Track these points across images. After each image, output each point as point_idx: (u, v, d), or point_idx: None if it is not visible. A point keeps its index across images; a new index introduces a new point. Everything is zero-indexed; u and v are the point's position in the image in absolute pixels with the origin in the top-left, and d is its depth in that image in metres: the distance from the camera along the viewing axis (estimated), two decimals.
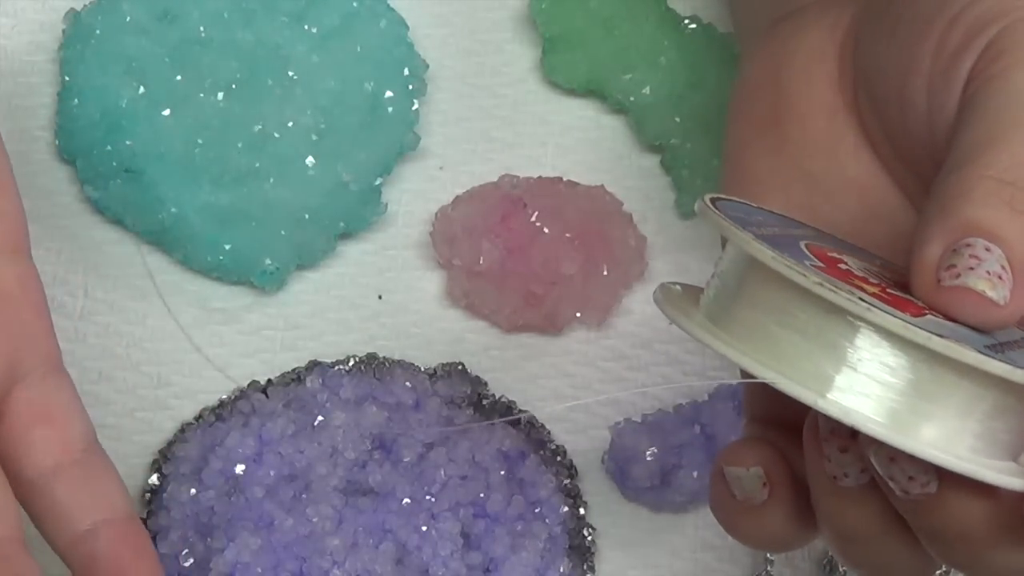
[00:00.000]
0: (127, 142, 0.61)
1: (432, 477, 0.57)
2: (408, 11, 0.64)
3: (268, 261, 0.60)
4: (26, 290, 0.51)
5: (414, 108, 0.63)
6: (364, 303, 0.61)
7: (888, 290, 0.42)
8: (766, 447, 0.46)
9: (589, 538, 0.58)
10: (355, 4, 0.63)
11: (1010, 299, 0.41)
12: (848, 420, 0.40)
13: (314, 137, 0.61)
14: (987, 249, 0.41)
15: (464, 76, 0.65)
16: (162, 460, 0.58)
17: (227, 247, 0.60)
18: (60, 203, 0.62)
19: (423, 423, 0.58)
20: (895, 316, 0.39)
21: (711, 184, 0.62)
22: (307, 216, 0.61)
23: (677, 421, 0.59)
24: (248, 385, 0.59)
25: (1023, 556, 0.42)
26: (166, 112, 0.61)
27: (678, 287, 0.46)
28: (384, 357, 0.60)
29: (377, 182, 0.62)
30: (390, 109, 0.62)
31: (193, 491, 0.57)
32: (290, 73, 0.62)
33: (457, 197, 0.62)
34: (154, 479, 0.58)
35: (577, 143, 0.64)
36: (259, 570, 0.55)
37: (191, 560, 0.56)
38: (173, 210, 0.60)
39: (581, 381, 0.60)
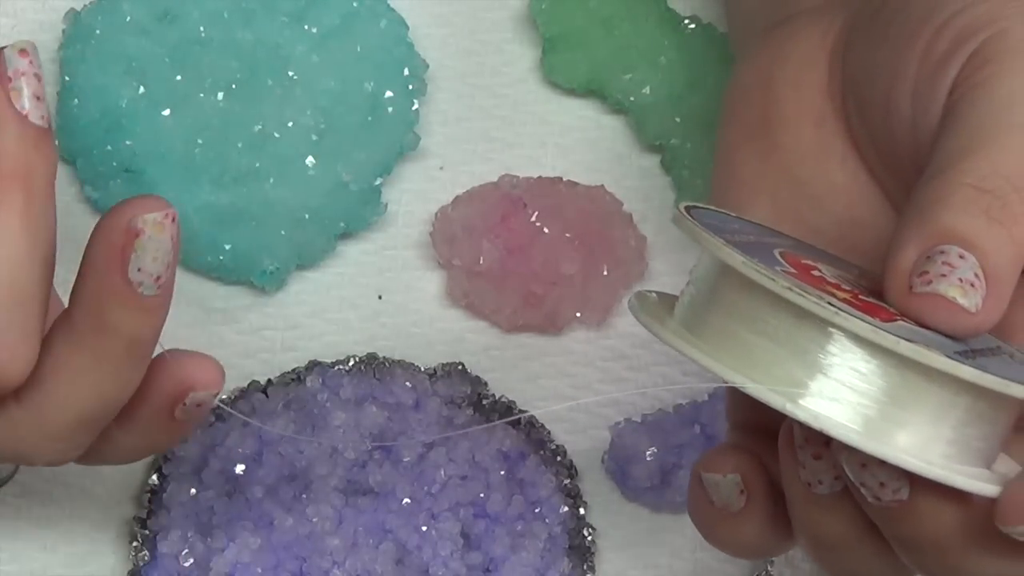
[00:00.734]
0: (127, 142, 0.61)
1: (432, 477, 0.57)
2: (408, 11, 0.64)
3: (268, 261, 0.60)
4: None
5: (414, 108, 0.63)
6: (364, 303, 0.61)
7: (861, 296, 0.42)
8: (744, 454, 0.46)
9: (589, 538, 0.58)
10: (355, 4, 0.63)
11: (982, 307, 0.41)
12: (817, 425, 0.40)
13: (314, 137, 0.61)
14: (961, 256, 0.41)
15: (464, 76, 0.65)
16: (162, 460, 0.58)
17: (227, 247, 0.60)
18: (60, 203, 0.61)
19: (423, 423, 0.58)
20: (863, 320, 0.39)
21: (710, 191, 0.62)
22: (307, 216, 0.61)
23: (677, 421, 0.59)
24: (248, 385, 0.59)
25: (995, 564, 0.42)
26: (166, 112, 0.61)
27: (654, 295, 0.46)
28: (384, 357, 0.60)
29: (377, 182, 0.62)
30: (390, 109, 0.62)
31: (193, 491, 0.57)
32: (290, 73, 0.62)
33: (457, 197, 0.62)
34: (154, 479, 0.58)
35: (577, 143, 0.64)
36: (259, 570, 0.55)
37: (191, 560, 0.56)
38: None
39: (581, 381, 0.60)
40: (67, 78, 0.62)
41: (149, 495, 0.58)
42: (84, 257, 0.45)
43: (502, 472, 0.58)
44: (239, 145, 0.61)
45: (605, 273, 0.60)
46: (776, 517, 0.45)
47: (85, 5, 0.63)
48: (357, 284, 0.62)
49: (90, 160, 0.61)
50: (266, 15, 0.62)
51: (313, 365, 0.60)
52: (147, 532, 0.57)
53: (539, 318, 0.60)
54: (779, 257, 0.43)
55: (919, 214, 0.42)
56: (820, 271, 0.43)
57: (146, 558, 0.57)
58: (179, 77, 0.61)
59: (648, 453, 0.58)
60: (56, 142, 0.62)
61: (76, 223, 0.62)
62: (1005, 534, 0.40)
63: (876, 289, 0.43)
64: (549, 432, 0.59)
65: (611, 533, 0.59)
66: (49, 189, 0.44)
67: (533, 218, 0.61)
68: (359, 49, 0.62)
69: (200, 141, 0.61)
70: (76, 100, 0.61)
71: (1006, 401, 0.41)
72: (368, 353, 0.60)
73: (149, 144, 0.60)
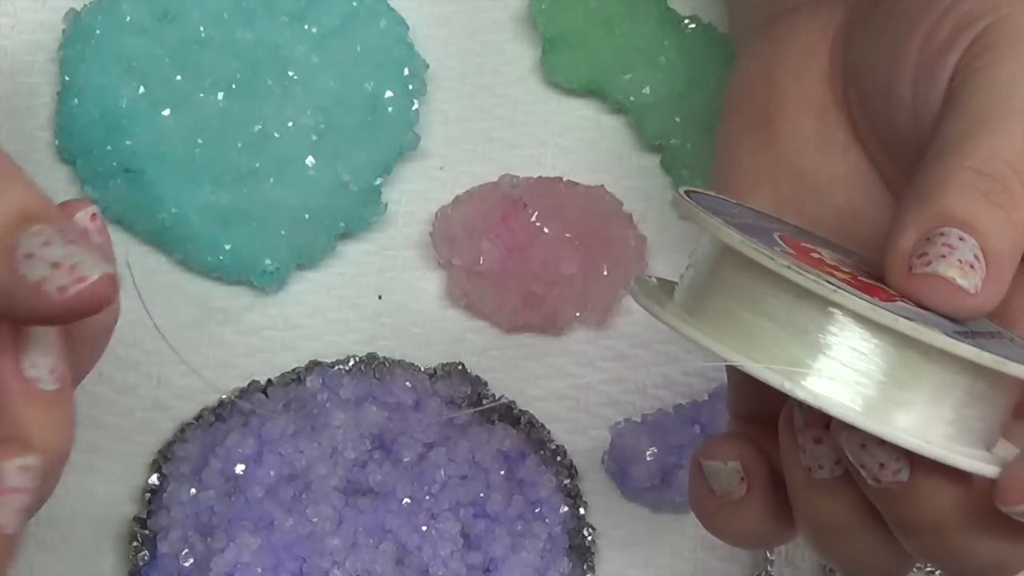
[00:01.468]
0: (127, 142, 0.61)
1: (432, 477, 0.57)
2: (408, 11, 0.64)
3: (268, 261, 0.60)
4: None
5: (414, 108, 0.63)
6: (364, 303, 0.61)
7: (859, 278, 0.42)
8: (744, 442, 0.46)
9: (589, 538, 0.58)
10: (355, 4, 0.63)
11: (982, 288, 0.41)
12: (816, 404, 0.40)
13: (314, 137, 0.61)
14: (961, 238, 0.41)
15: (464, 76, 0.65)
16: (162, 460, 0.58)
17: (227, 247, 0.60)
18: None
19: (423, 423, 0.58)
20: (862, 299, 0.39)
21: (711, 184, 0.62)
22: (307, 216, 0.61)
23: (677, 421, 0.59)
24: (248, 385, 0.59)
25: (994, 546, 0.42)
26: (166, 112, 0.61)
27: (654, 280, 0.46)
28: (384, 357, 0.60)
29: (377, 182, 0.62)
30: (390, 109, 0.62)
31: (193, 491, 0.57)
32: (290, 73, 0.62)
33: (457, 197, 0.62)
34: (154, 479, 0.58)
35: (577, 143, 0.64)
36: (259, 570, 0.55)
37: (191, 560, 0.56)
38: (173, 210, 0.60)
39: (581, 381, 0.60)
40: (67, 78, 0.62)
41: (149, 495, 0.58)
42: None
43: (502, 472, 0.58)
44: (239, 145, 0.61)
45: (605, 273, 0.60)
46: (777, 505, 0.45)
47: (85, 5, 0.63)
48: (357, 284, 0.62)
49: (90, 160, 0.61)
50: (266, 15, 0.62)
51: (313, 365, 0.60)
52: (147, 532, 0.57)
53: (539, 318, 0.60)
54: (778, 239, 0.43)
55: (919, 197, 0.42)
56: (820, 254, 0.43)
57: (146, 558, 0.57)
58: (179, 77, 0.61)
59: (648, 453, 0.58)
60: (56, 142, 0.62)
61: None
62: (1005, 515, 0.40)
63: (875, 274, 0.43)
64: (549, 432, 0.59)
65: (611, 533, 0.59)
66: None
67: (533, 218, 0.61)
68: (359, 49, 0.62)
69: (200, 141, 0.61)
70: (76, 100, 0.61)
71: (1006, 382, 0.41)
72: (368, 353, 0.60)
73: (149, 144, 0.60)
